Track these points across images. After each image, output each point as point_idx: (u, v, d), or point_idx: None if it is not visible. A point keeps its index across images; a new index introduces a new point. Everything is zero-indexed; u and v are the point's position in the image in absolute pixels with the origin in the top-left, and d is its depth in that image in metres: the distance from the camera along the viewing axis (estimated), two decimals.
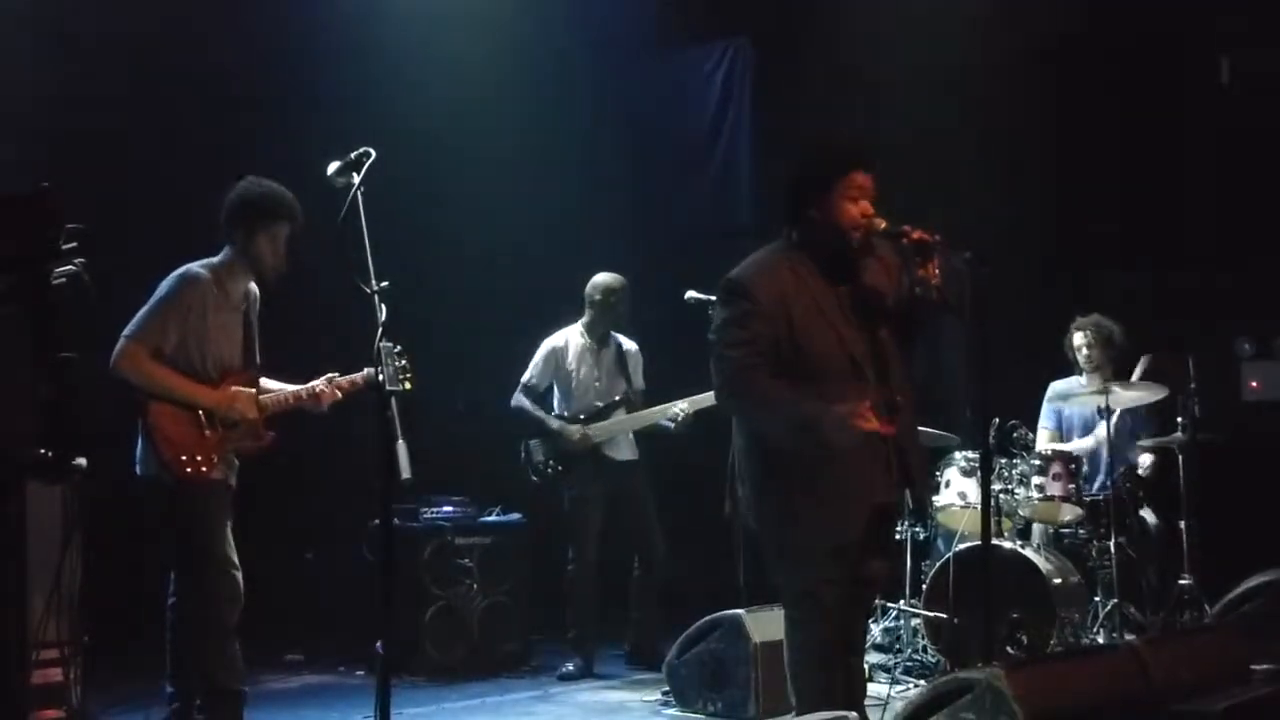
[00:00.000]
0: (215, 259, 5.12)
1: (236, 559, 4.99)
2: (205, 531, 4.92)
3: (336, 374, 5.25)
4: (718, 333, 4.28)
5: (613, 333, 7.16)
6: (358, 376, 5.19)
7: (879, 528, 4.42)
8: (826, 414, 4.02)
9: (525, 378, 7.12)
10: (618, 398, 7.08)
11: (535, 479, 7.04)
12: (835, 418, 4.01)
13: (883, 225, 4.23)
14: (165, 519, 4.97)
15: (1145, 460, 7.07)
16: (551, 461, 6.98)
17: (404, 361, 4.37)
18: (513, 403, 7.12)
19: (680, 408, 6.81)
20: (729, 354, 4.22)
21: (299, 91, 7.67)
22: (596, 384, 7.09)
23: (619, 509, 7.04)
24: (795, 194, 4.32)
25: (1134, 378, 6.85)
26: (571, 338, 7.14)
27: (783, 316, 4.20)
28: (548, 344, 7.14)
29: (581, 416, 7.01)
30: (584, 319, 7.13)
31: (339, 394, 5.23)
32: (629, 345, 7.22)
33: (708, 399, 6.67)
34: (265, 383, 5.20)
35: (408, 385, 4.31)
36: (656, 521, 7.08)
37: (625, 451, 7.07)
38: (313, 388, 5.21)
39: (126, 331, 4.92)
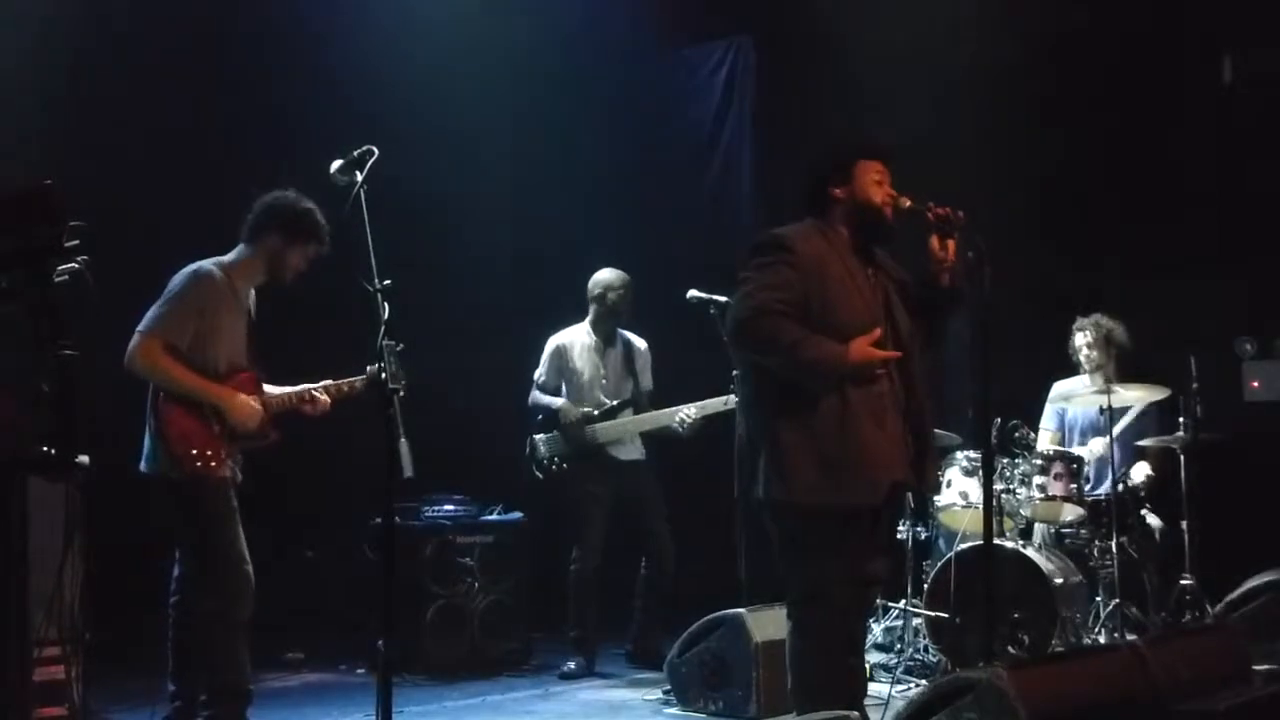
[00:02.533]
0: (227, 257, 5.13)
1: (248, 555, 4.99)
2: (218, 528, 4.93)
3: (330, 381, 5.26)
4: (746, 277, 4.34)
5: (622, 331, 7.15)
6: (355, 381, 5.20)
7: (883, 525, 4.44)
8: (843, 346, 4.19)
9: (537, 375, 7.12)
10: (626, 397, 7.06)
11: (539, 475, 7.02)
12: (855, 346, 4.19)
13: (908, 203, 4.35)
14: (175, 516, 4.98)
15: (1139, 473, 7.04)
16: (556, 458, 6.97)
17: (397, 367, 4.36)
18: (529, 401, 7.12)
19: (688, 412, 6.80)
20: (754, 294, 4.28)
21: (302, 90, 7.66)
22: (603, 382, 7.07)
23: (625, 509, 7.02)
24: (820, 178, 4.46)
25: None
26: (577, 336, 7.12)
27: (817, 276, 4.31)
28: (553, 342, 7.13)
29: (595, 413, 7.00)
30: (588, 316, 7.12)
31: (330, 400, 5.24)
32: (639, 344, 7.20)
33: (717, 404, 6.67)
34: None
35: (401, 392, 4.32)
36: (665, 521, 7.06)
37: (632, 451, 7.06)
38: (308, 391, 5.23)
39: (141, 327, 4.93)
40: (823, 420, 4.24)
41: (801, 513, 4.30)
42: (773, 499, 4.35)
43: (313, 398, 5.23)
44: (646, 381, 7.16)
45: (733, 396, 6.39)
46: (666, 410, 6.92)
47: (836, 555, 4.25)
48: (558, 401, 7.02)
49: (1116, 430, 6.82)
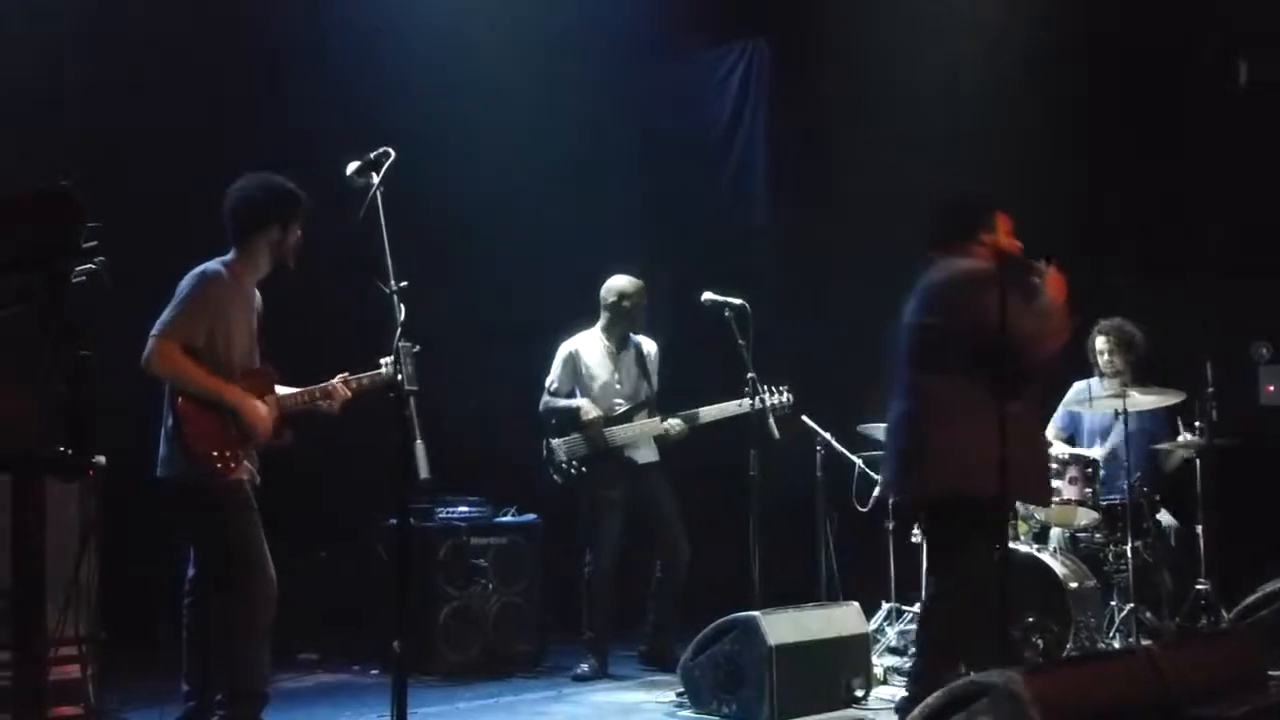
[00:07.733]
0: (228, 256, 5.12)
1: (270, 557, 4.98)
2: (239, 532, 4.91)
3: (348, 373, 5.25)
4: None
5: (632, 334, 7.15)
6: (364, 378, 5.19)
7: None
8: None
9: (548, 382, 7.09)
10: (641, 400, 7.05)
11: (557, 479, 7.01)
12: None
13: None
14: (195, 521, 4.96)
15: (1175, 458, 7.05)
16: (574, 462, 6.97)
17: (414, 368, 4.36)
18: (540, 407, 7.10)
19: (675, 425, 6.91)
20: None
21: (318, 90, 7.67)
22: (618, 386, 7.07)
23: (640, 511, 7.01)
24: None
25: None
26: (590, 341, 7.11)
27: None
28: (565, 348, 7.11)
29: (612, 416, 7.00)
30: (601, 322, 7.11)
31: (350, 393, 5.22)
32: (649, 346, 7.18)
33: (731, 407, 6.68)
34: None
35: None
36: (681, 524, 7.05)
37: (647, 454, 7.05)
38: (326, 386, 5.21)
39: (155, 331, 4.89)
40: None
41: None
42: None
43: (326, 394, 5.21)
44: (655, 382, 7.15)
45: (747, 400, 6.40)
46: (672, 421, 6.95)
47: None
48: (578, 401, 7.01)
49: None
